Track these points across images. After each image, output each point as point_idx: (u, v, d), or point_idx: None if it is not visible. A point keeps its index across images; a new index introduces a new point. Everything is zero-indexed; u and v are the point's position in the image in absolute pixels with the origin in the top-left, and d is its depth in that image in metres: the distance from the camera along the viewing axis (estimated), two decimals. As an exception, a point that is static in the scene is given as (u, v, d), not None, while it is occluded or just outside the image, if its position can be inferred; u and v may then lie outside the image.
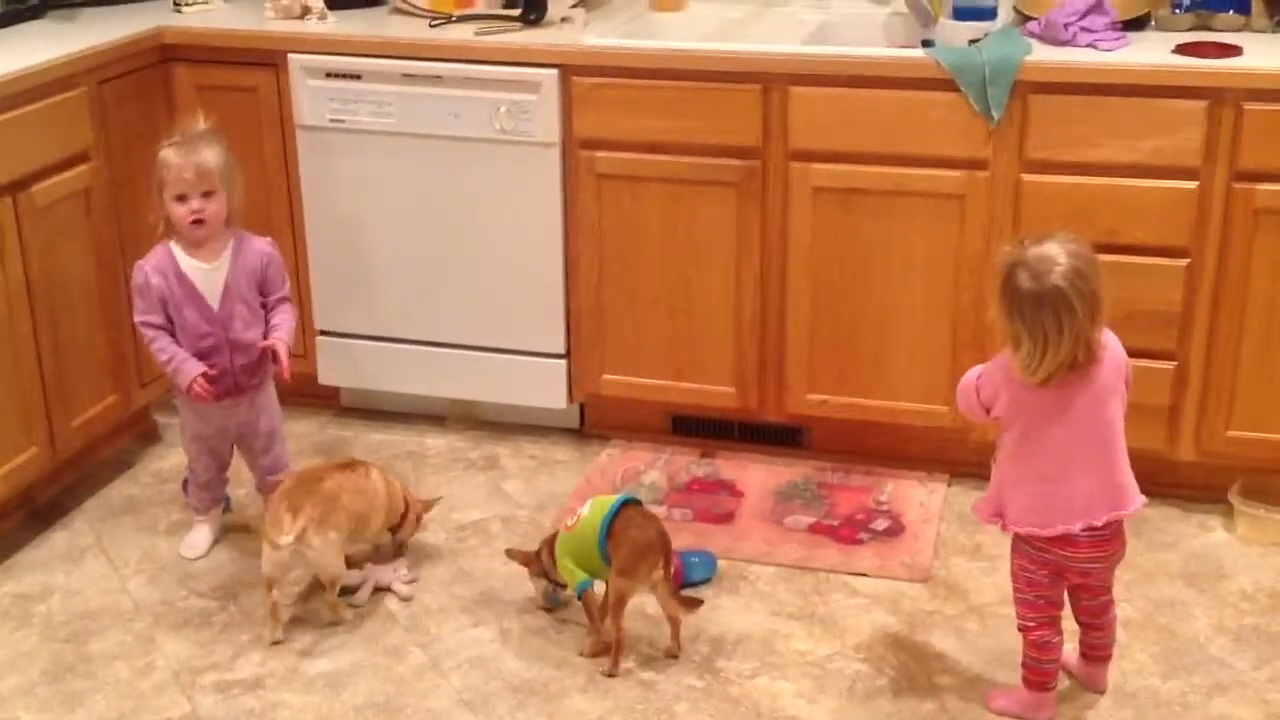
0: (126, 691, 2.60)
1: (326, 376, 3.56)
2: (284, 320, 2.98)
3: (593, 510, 2.68)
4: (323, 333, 3.54)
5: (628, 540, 2.61)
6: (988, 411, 2.38)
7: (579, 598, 2.70)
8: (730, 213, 3.20)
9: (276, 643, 2.72)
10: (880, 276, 3.16)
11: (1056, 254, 2.25)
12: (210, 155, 2.87)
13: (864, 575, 2.92)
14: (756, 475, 3.32)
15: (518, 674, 2.63)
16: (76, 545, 3.08)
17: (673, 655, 2.67)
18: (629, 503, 2.68)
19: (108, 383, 3.28)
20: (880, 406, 3.24)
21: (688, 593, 2.78)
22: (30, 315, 3.00)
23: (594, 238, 3.30)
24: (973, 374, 2.42)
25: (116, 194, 3.26)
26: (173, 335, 2.89)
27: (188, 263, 2.88)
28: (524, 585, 2.90)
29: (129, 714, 2.54)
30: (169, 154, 2.87)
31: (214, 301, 2.89)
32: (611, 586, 2.61)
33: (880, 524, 3.10)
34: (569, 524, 2.70)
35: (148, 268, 2.89)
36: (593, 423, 3.55)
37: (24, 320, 2.99)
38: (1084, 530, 2.33)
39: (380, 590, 2.89)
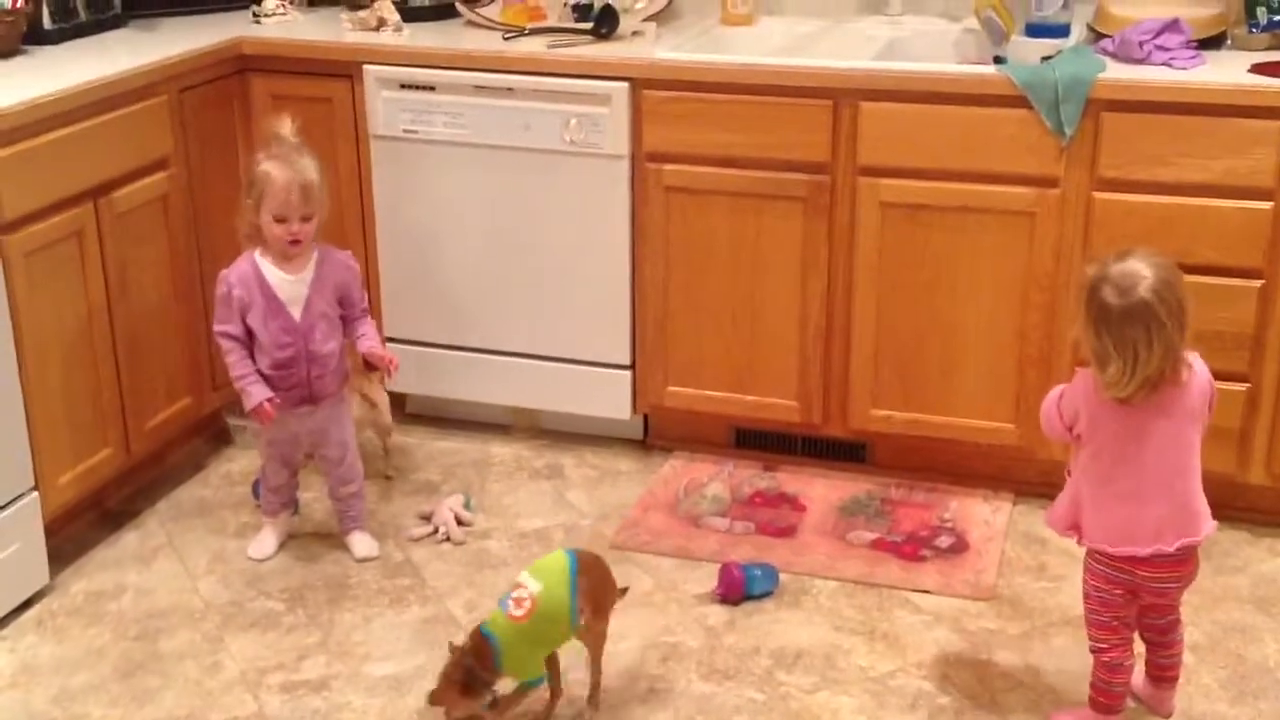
0: (195, 690, 2.64)
1: (394, 383, 3.60)
2: (369, 330, 3.03)
3: (546, 580, 2.42)
4: (391, 339, 3.58)
5: (608, 580, 2.52)
6: (1070, 430, 2.36)
7: (521, 691, 2.50)
8: (797, 227, 3.21)
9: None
10: (947, 293, 3.15)
11: (1141, 268, 2.23)
12: (313, 176, 2.88)
13: (927, 592, 2.91)
14: (819, 490, 3.32)
15: (579, 683, 2.64)
16: (148, 545, 3.14)
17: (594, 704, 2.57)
18: (576, 556, 2.49)
19: (181, 386, 3.34)
20: (945, 423, 3.23)
21: (712, 607, 2.82)
22: (108, 318, 3.06)
23: (661, 250, 3.32)
24: (1054, 393, 2.40)
25: (194, 201, 3.33)
26: (249, 347, 2.93)
27: (273, 274, 2.91)
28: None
29: (197, 712, 2.58)
30: (272, 170, 2.86)
31: (296, 312, 2.92)
32: (599, 632, 2.50)
33: (944, 541, 3.09)
34: (517, 614, 2.39)
35: (232, 278, 2.92)
36: (656, 434, 3.56)
37: (102, 323, 3.05)
38: (1153, 555, 2.31)
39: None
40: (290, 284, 2.92)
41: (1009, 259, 3.08)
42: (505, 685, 2.46)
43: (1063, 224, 3.03)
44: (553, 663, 2.53)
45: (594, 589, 2.48)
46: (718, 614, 2.86)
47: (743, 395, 3.37)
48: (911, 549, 3.05)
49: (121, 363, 3.12)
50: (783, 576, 2.95)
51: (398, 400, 3.67)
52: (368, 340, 3.02)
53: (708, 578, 2.94)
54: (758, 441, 3.47)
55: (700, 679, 2.66)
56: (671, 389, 3.42)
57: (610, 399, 3.46)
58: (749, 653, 2.73)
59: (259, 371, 2.91)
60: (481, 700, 2.43)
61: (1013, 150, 3.01)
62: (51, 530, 2.94)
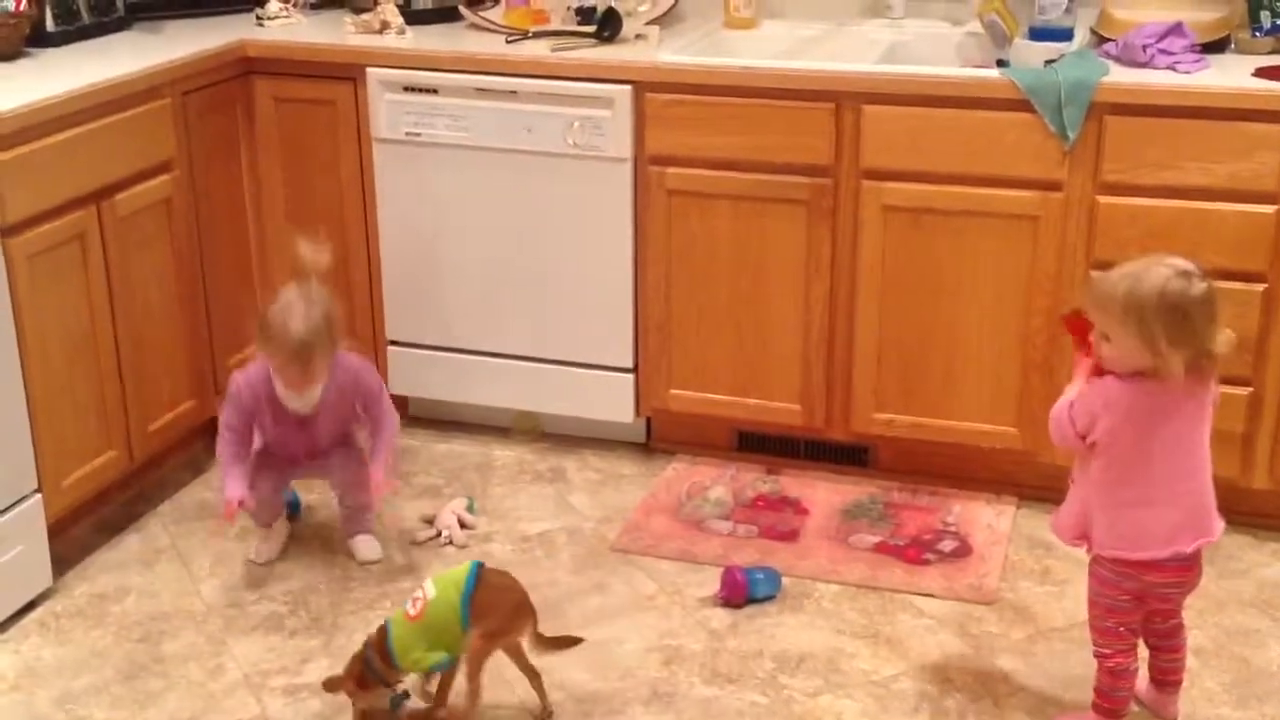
0: (198, 692, 2.64)
1: (396, 386, 3.60)
2: (384, 444, 2.94)
3: (440, 589, 2.47)
4: (393, 343, 3.58)
5: (507, 601, 2.48)
6: (1084, 439, 2.34)
7: (427, 675, 2.53)
8: (800, 230, 3.21)
9: None
10: (950, 296, 3.15)
11: (1179, 263, 2.24)
12: (320, 338, 2.74)
13: (930, 596, 2.91)
14: (822, 493, 3.31)
15: (582, 685, 2.65)
16: (151, 548, 3.14)
17: (548, 714, 2.56)
18: (480, 567, 2.50)
19: (184, 389, 3.34)
20: (948, 427, 3.23)
21: (715, 610, 2.80)
22: (111, 321, 3.07)
23: (664, 253, 3.32)
24: (1063, 402, 2.36)
25: (197, 204, 3.33)
26: (250, 439, 2.93)
27: (284, 390, 2.89)
28: (588, 596, 2.92)
29: (200, 714, 2.58)
30: (276, 335, 2.74)
31: (304, 423, 2.93)
32: (477, 649, 2.46)
33: (947, 545, 3.08)
34: (412, 612, 2.46)
35: (242, 382, 2.90)
36: (659, 437, 3.56)
37: (105, 326, 3.05)
38: (1171, 557, 2.31)
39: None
40: (301, 401, 2.91)
41: (1012, 262, 3.08)
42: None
43: (1066, 228, 3.03)
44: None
45: (488, 606, 2.45)
46: (720, 617, 2.85)
47: (745, 398, 3.37)
48: (914, 553, 3.05)
49: (124, 366, 3.12)
50: (785, 580, 2.95)
51: (400, 402, 3.67)
52: (375, 460, 2.93)
53: (710, 581, 2.94)
54: (760, 445, 3.47)
55: (703, 682, 2.65)
56: (674, 392, 3.42)
57: (613, 402, 3.46)
58: (752, 656, 2.73)
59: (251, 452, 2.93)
60: (377, 693, 2.48)
61: (1016, 154, 3.01)
62: (55, 533, 2.94)
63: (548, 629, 2.69)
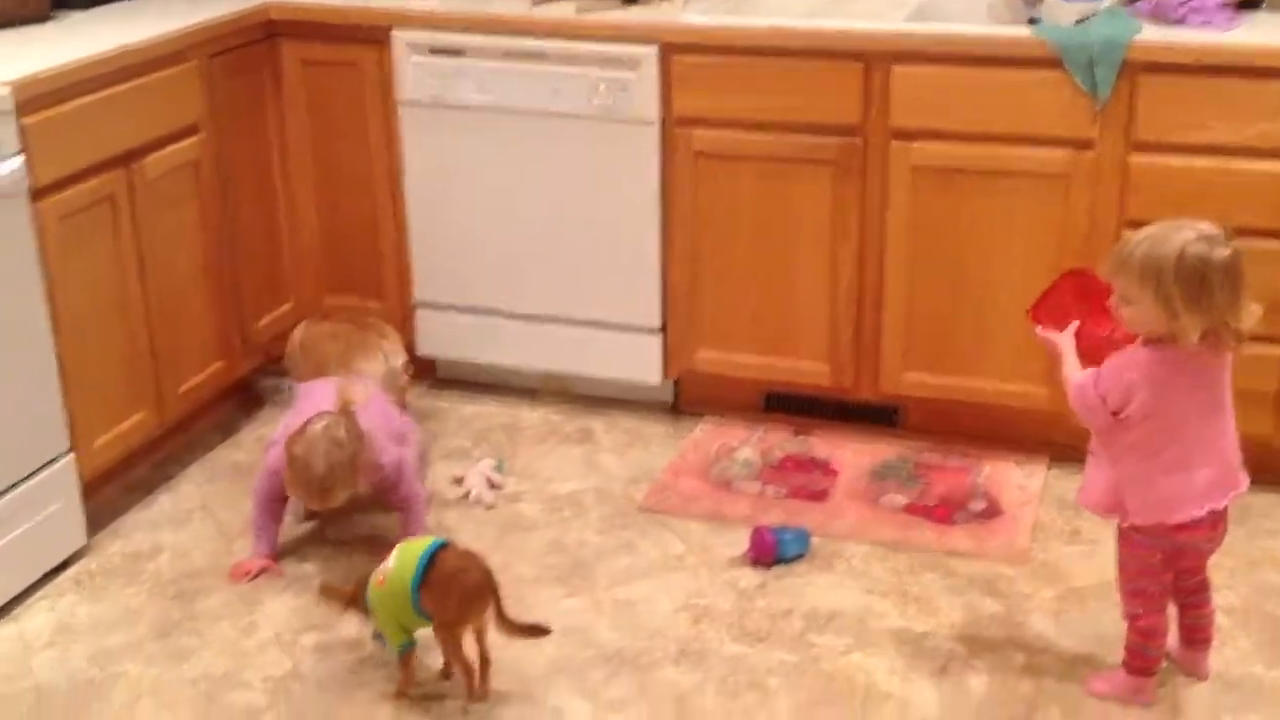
0: (231, 649, 2.66)
1: (424, 348, 3.61)
2: (413, 520, 2.89)
3: (400, 564, 2.45)
4: (421, 305, 3.59)
5: (456, 587, 2.41)
6: (1114, 413, 2.30)
7: (399, 657, 2.51)
8: (828, 191, 3.19)
9: None
10: (980, 256, 3.13)
11: (1204, 227, 2.21)
12: (339, 492, 2.71)
13: (960, 556, 2.91)
14: (850, 454, 3.31)
15: (610, 644, 2.66)
16: (182, 507, 3.16)
17: (481, 699, 2.48)
18: (441, 548, 2.46)
19: (213, 350, 3.36)
20: (978, 387, 3.22)
21: (743, 570, 2.81)
22: (140, 283, 3.08)
23: (691, 214, 3.31)
24: (1085, 378, 2.32)
25: (224, 167, 3.33)
26: (281, 505, 2.90)
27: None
28: (616, 556, 2.93)
29: (233, 671, 2.60)
30: (294, 472, 2.71)
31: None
32: (441, 638, 2.46)
33: (977, 505, 3.08)
34: (377, 580, 2.46)
35: (274, 456, 2.82)
36: (687, 398, 3.56)
37: (134, 288, 3.06)
38: (1207, 515, 2.31)
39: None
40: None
41: (1042, 222, 3.06)
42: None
43: (1097, 187, 3.01)
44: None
45: (440, 593, 2.41)
46: (749, 577, 2.86)
47: (774, 359, 3.37)
48: (944, 513, 3.05)
49: (154, 328, 3.13)
50: (814, 540, 2.95)
51: (427, 364, 3.68)
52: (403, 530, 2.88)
53: (739, 541, 2.94)
54: (788, 406, 3.46)
55: (732, 640, 2.66)
56: (702, 353, 3.42)
57: (641, 363, 3.46)
58: (781, 615, 2.73)
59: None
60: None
61: (1046, 113, 2.98)
62: (88, 493, 2.96)
63: (570, 589, 2.71)
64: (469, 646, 2.47)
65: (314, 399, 2.89)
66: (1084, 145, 2.99)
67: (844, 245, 3.22)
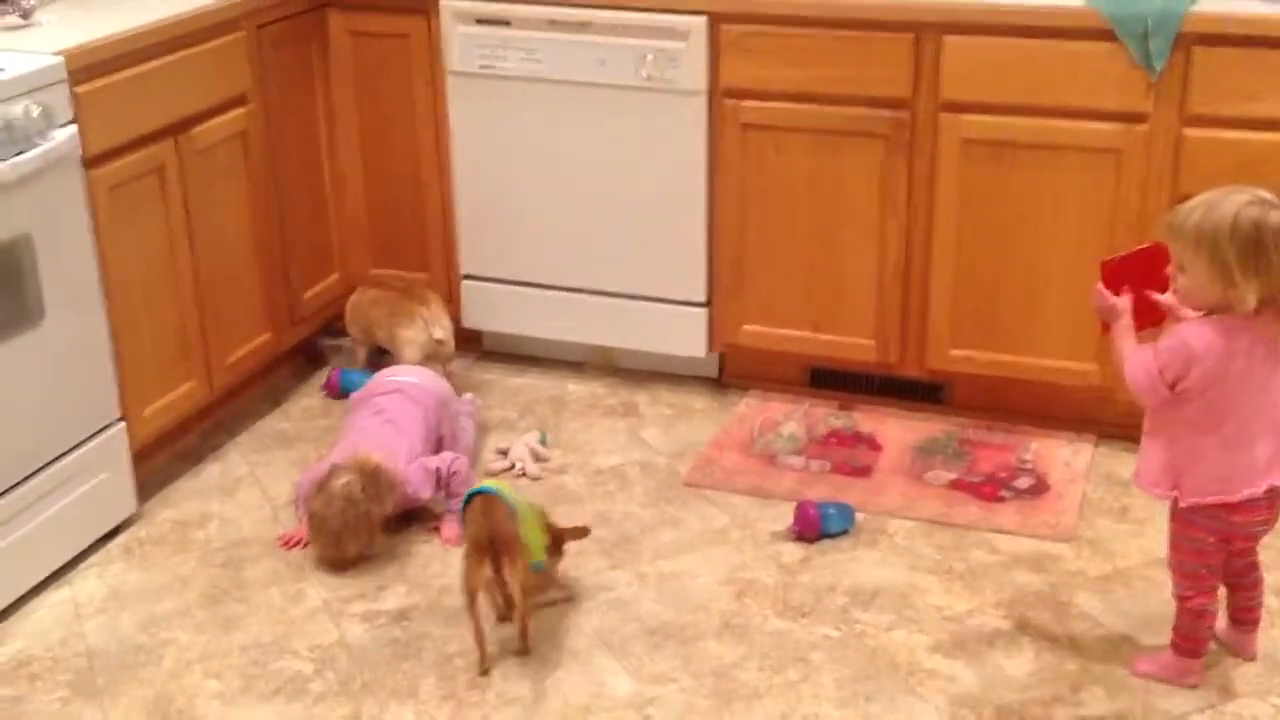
0: (278, 617, 2.69)
1: (470, 320, 3.62)
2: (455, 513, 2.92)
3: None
4: (467, 277, 3.60)
5: (466, 538, 2.54)
6: (1172, 387, 2.26)
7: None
8: (876, 164, 3.17)
9: None
10: (1030, 231, 3.10)
11: (1259, 192, 2.18)
12: (350, 547, 2.80)
13: (1006, 533, 2.89)
14: (895, 430, 3.29)
15: (654, 616, 2.66)
16: (230, 476, 3.19)
17: (523, 652, 2.55)
18: (476, 495, 2.56)
19: (261, 321, 3.38)
20: (1026, 364, 3.19)
21: (787, 545, 2.82)
22: (190, 254, 3.10)
23: (737, 187, 3.29)
24: (1142, 354, 2.28)
25: (273, 137, 3.34)
26: None
27: None
28: (660, 530, 2.93)
29: (281, 638, 2.63)
30: (311, 529, 2.82)
31: None
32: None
33: (1023, 482, 3.06)
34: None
35: (318, 468, 2.91)
36: (731, 373, 3.55)
37: (184, 259, 3.08)
38: (1266, 492, 2.28)
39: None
40: None
41: (1094, 196, 3.02)
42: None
43: (1150, 161, 2.96)
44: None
45: (466, 533, 2.56)
46: (793, 551, 2.86)
47: (819, 334, 3.35)
48: (990, 490, 3.03)
49: (203, 298, 3.15)
50: (859, 515, 2.94)
51: (473, 336, 3.69)
52: (449, 524, 2.94)
53: (782, 516, 2.94)
54: (833, 381, 3.45)
55: (775, 615, 2.66)
56: (747, 327, 3.41)
57: (685, 337, 3.46)
58: (825, 590, 2.73)
59: None
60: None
61: (1099, 85, 2.94)
62: (137, 461, 3.00)
63: (614, 561, 2.73)
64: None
65: (352, 439, 2.95)
66: (1137, 118, 2.95)
67: (892, 219, 3.19)
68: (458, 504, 2.89)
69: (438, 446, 3.04)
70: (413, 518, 2.97)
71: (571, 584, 2.75)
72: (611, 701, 2.44)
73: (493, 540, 2.49)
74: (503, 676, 2.50)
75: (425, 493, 2.91)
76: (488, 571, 2.50)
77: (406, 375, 3.14)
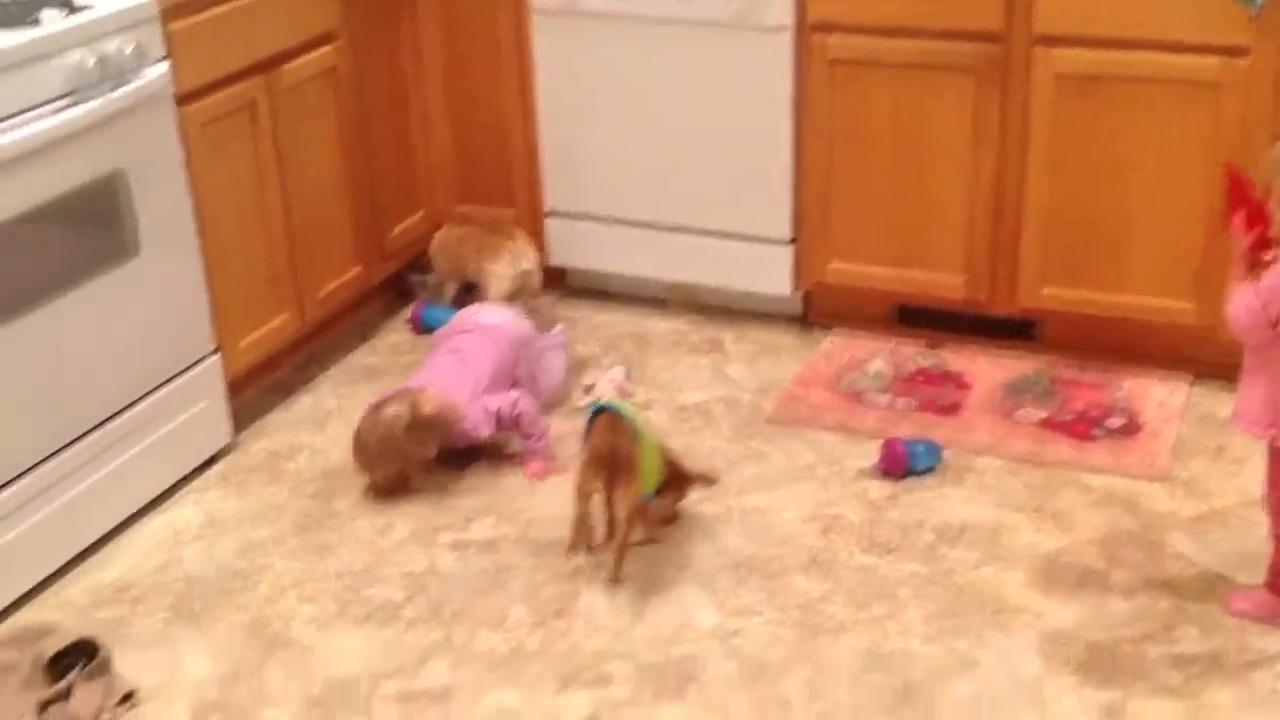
0: (369, 547, 2.73)
1: (554, 256, 3.63)
2: (539, 446, 2.99)
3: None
4: (552, 213, 3.60)
5: (588, 449, 2.58)
6: (1273, 325, 2.19)
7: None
8: (968, 99, 3.12)
9: None
10: (1125, 167, 3.03)
11: None
12: (379, 472, 2.87)
13: (1097, 472, 2.86)
14: (984, 368, 3.26)
15: (739, 550, 2.67)
16: (321, 409, 3.24)
17: (614, 580, 2.58)
18: (604, 411, 2.61)
19: (351, 256, 3.41)
20: (1120, 302, 3.14)
21: (873, 481, 2.82)
22: (280, 189, 3.13)
23: (825, 123, 3.26)
24: (1246, 295, 2.22)
25: (360, 75, 3.36)
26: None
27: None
28: (745, 465, 2.94)
29: (372, 566, 2.67)
30: (352, 447, 2.89)
31: None
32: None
33: (1116, 421, 3.01)
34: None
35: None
36: (817, 311, 3.53)
37: (274, 194, 3.12)
38: None
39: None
40: None
41: (1191, 132, 2.95)
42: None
43: (1250, 97, 2.89)
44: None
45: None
46: (879, 488, 2.85)
47: (907, 272, 3.32)
48: (1082, 428, 2.99)
49: (294, 233, 3.19)
50: (946, 453, 2.92)
51: (558, 273, 3.70)
52: (534, 461, 2.98)
53: (869, 453, 2.93)
54: (921, 319, 3.41)
55: (861, 551, 2.66)
56: (833, 265, 3.38)
57: (771, 275, 3.44)
58: (912, 527, 2.72)
59: None
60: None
61: (1198, 18, 2.87)
62: (232, 392, 3.05)
63: (701, 496, 2.74)
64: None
65: (424, 375, 3.00)
66: (1237, 52, 2.87)
67: (983, 155, 3.14)
68: (538, 442, 2.95)
69: (515, 386, 3.06)
70: (480, 454, 3.00)
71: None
72: (697, 632, 2.46)
73: (613, 456, 2.53)
74: (590, 605, 2.53)
75: (483, 431, 2.94)
76: (600, 485, 2.54)
77: (487, 315, 3.16)
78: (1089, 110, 3.02)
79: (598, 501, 2.60)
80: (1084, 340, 3.27)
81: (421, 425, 2.84)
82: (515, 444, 3.00)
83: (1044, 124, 3.07)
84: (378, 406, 2.87)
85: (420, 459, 2.89)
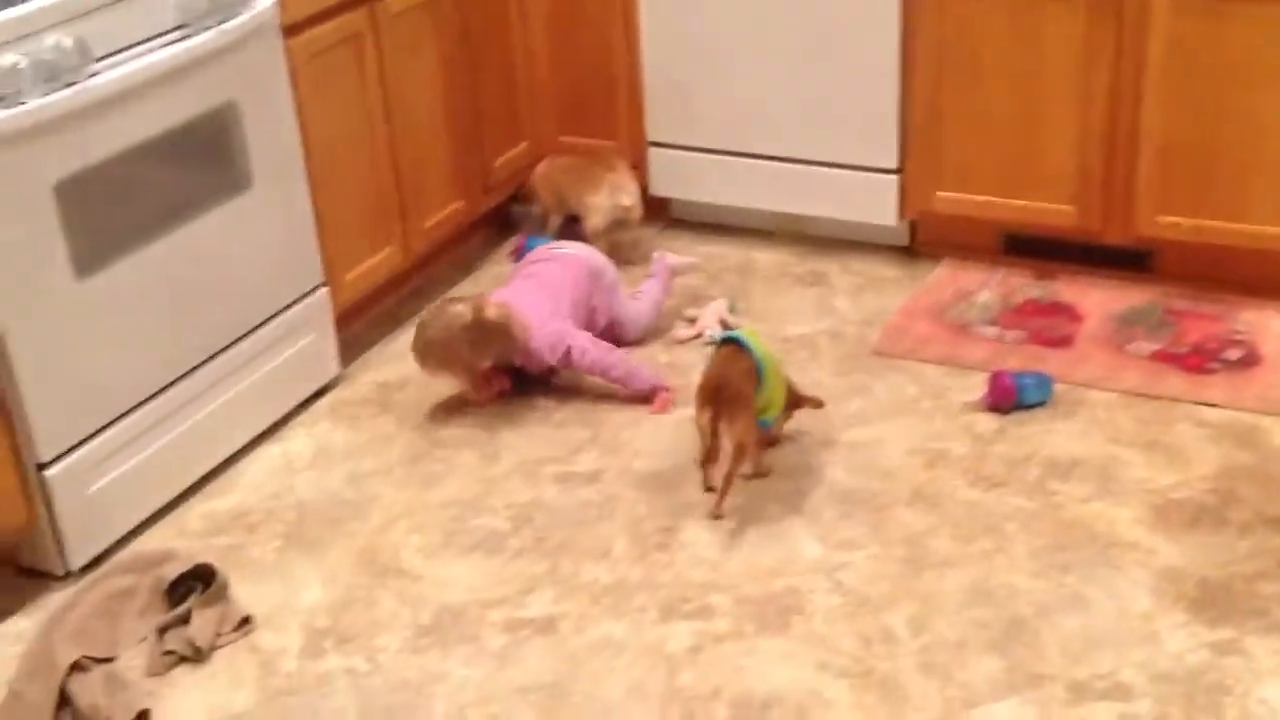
0: (476, 477, 2.77)
1: (657, 188, 3.61)
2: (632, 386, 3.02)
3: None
4: (654, 144, 3.58)
5: (702, 378, 2.59)
6: None
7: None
8: (1080, 20, 3.02)
9: None
10: (1247, 89, 2.93)
11: None
12: (428, 367, 2.93)
13: (1213, 406, 2.79)
14: (1096, 299, 3.19)
15: (841, 482, 2.66)
16: (426, 341, 3.28)
17: (717, 516, 2.58)
18: (730, 341, 2.63)
19: (454, 189, 3.43)
20: (1240, 230, 3.04)
21: (980, 415, 2.78)
22: (386, 122, 3.15)
23: (932, 50, 3.18)
24: None
25: (463, 6, 3.34)
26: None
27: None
28: (850, 398, 2.92)
29: (480, 496, 2.71)
30: (415, 332, 2.96)
31: None
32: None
33: (1233, 354, 2.93)
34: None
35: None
36: (923, 241, 3.47)
37: (380, 127, 3.14)
38: None
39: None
40: None
41: (1321, 52, 2.84)
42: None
43: (1386, 12, 2.76)
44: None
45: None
46: (986, 422, 2.81)
47: (1016, 200, 3.24)
48: (1197, 361, 2.92)
49: (399, 165, 3.21)
50: (1056, 386, 2.87)
51: (661, 204, 3.68)
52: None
53: (976, 386, 2.89)
54: (1030, 249, 3.34)
55: (967, 485, 2.63)
56: (940, 194, 3.32)
57: (876, 204, 3.39)
58: (1019, 461, 2.68)
59: None
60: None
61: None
62: (340, 325, 3.10)
63: (804, 428, 2.72)
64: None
65: (512, 289, 3.05)
66: (1375, -36, 2.75)
67: (1097, 79, 3.05)
68: (632, 381, 2.96)
69: (590, 316, 3.07)
70: (543, 382, 3.04)
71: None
72: (801, 565, 2.46)
73: (719, 390, 2.54)
74: (693, 537, 2.54)
75: (547, 358, 2.96)
76: (705, 418, 2.56)
77: (564, 247, 3.20)
78: (1209, 30, 2.91)
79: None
80: (1201, 271, 3.18)
81: (481, 328, 2.88)
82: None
83: (1161, 46, 2.96)
84: (445, 302, 2.95)
85: (473, 365, 2.92)
